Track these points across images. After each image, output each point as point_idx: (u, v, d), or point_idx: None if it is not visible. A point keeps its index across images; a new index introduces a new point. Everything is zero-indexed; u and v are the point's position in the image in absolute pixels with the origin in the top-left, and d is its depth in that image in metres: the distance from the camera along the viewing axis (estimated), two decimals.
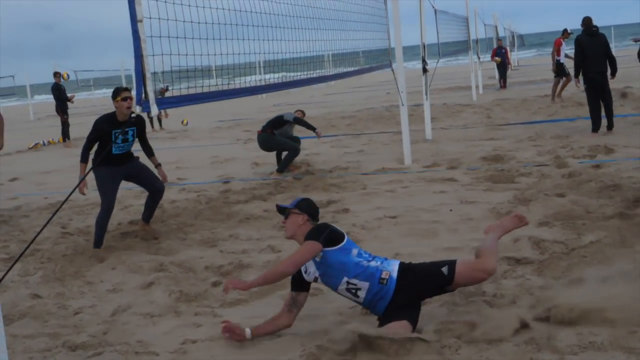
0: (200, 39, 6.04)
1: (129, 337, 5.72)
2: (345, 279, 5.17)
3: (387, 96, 29.76)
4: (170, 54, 5.76)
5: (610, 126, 14.47)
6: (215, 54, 7.03)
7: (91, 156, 8.40)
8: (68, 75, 27.42)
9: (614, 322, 4.96)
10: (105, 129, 8.29)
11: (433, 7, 18.53)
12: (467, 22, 27.84)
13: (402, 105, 13.25)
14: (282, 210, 5.66)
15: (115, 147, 8.42)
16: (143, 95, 4.98)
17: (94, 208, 10.96)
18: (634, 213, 7.77)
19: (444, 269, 5.18)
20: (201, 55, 6.37)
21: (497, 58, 31.39)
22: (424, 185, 10.72)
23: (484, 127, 17.24)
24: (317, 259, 5.21)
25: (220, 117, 27.27)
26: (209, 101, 6.47)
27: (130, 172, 8.80)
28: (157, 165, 9.19)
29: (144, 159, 9.16)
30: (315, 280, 5.35)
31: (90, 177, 8.45)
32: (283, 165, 13.12)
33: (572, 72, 16.45)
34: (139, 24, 4.95)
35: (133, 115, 7.22)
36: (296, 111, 13.45)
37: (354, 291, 5.17)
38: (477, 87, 27.25)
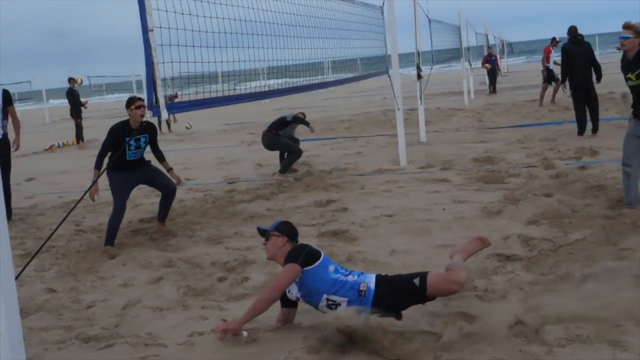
0: (207, 47, 6.03)
1: (139, 330, 5.71)
2: (325, 295, 5.12)
3: (383, 101, 29.74)
4: (180, 62, 5.74)
5: (595, 129, 14.49)
6: (221, 61, 7.02)
7: (106, 161, 8.43)
8: (82, 81, 27.35)
9: (599, 317, 4.97)
10: (120, 136, 8.31)
11: (427, 17, 18.53)
12: (459, 31, 27.87)
13: (398, 109, 13.26)
14: (262, 232, 5.61)
15: (129, 154, 8.50)
16: (154, 100, 4.96)
17: (106, 207, 10.94)
18: (617, 212, 7.77)
19: (416, 280, 5.12)
20: (208, 62, 6.35)
21: (487, 65, 31.42)
22: (418, 186, 10.71)
23: (475, 130, 17.23)
24: (297, 279, 5.17)
25: (226, 120, 27.28)
26: (216, 106, 6.47)
27: (143, 177, 8.88)
28: (169, 170, 9.25)
29: (155, 163, 9.17)
30: (298, 299, 5.32)
31: (104, 181, 8.42)
32: (285, 166, 13.07)
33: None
34: (149, 33, 4.95)
35: (115, 125, 7.18)
36: (298, 113, 13.42)
37: (334, 307, 5.10)
38: (468, 92, 27.27)
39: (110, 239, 8.43)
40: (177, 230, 9.05)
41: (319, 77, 10.09)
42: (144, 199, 11.54)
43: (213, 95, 7.02)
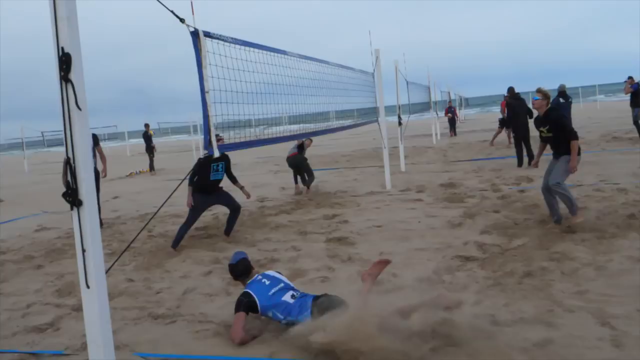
0: (245, 103, 6.05)
1: (194, 310, 5.71)
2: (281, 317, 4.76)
3: (373, 141, 29.62)
4: (228, 115, 5.75)
5: (530, 162, 14.39)
6: (254, 114, 7.05)
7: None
8: (153, 132, 27.54)
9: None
10: (206, 162, 8.41)
11: (405, 80, 18.57)
12: (428, 90, 27.92)
13: (384, 147, 13.27)
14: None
15: (212, 174, 8.62)
16: (209, 142, 4.98)
17: (171, 218, 10.96)
18: (548, 225, 7.72)
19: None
20: (245, 114, 6.38)
21: (449, 114, 31.53)
22: (400, 204, 10.65)
23: (441, 163, 17.18)
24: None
25: (257, 154, 27.26)
26: (253, 147, 6.46)
27: (218, 198, 8.90)
28: (242, 188, 9.36)
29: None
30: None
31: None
32: (309, 183, 13.22)
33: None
34: (206, 94, 4.95)
35: (201, 157, 7.19)
36: (306, 139, 13.34)
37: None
38: (436, 134, 27.25)
39: (176, 242, 8.40)
40: (222, 235, 9.00)
41: (327, 123, 10.10)
42: None
43: (250, 138, 7.05)
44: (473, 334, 4.32)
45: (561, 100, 14.16)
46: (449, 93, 42.19)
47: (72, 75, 3.27)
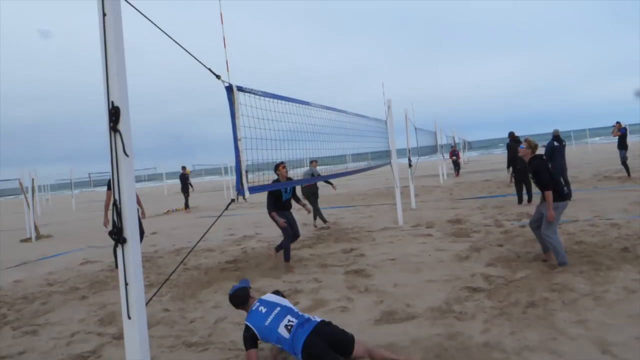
0: (271, 149, 6.07)
1: (225, 338, 5.64)
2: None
3: (386, 181, 29.68)
4: (259, 161, 5.77)
5: (529, 200, 14.28)
6: (281, 159, 7.08)
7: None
8: (190, 172, 27.77)
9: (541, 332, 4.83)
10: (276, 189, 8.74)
11: (414, 126, 18.61)
12: (435, 134, 27.95)
13: (397, 186, 13.22)
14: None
15: (284, 195, 9.07)
16: (241, 184, 4.98)
17: (204, 252, 10.95)
18: (548, 256, 7.58)
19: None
20: (273, 159, 6.41)
21: (453, 157, 31.48)
22: (411, 239, 10.54)
23: (448, 201, 17.05)
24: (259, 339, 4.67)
25: None
26: (279, 188, 6.47)
27: (289, 218, 9.11)
28: (304, 205, 9.77)
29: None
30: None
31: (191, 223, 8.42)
32: (323, 218, 13.40)
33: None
34: (239, 142, 4.98)
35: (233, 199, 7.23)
36: (312, 161, 13.33)
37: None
38: (442, 175, 27.15)
39: (287, 255, 8.87)
40: (250, 268, 8.97)
41: (344, 166, 10.09)
42: (229, 247, 11.50)
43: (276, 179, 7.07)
44: None
45: (555, 143, 14.02)
46: (453, 137, 42.16)
47: (121, 126, 3.32)
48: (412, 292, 6.69)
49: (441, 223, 12.11)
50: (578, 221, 10.43)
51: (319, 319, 4.60)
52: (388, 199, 19.40)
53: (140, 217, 10.17)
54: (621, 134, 17.94)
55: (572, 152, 39.89)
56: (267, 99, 5.89)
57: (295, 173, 9.79)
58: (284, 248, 8.91)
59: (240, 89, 5.14)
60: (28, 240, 16.99)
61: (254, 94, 5.48)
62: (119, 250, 3.40)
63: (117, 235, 3.38)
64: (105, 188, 12.07)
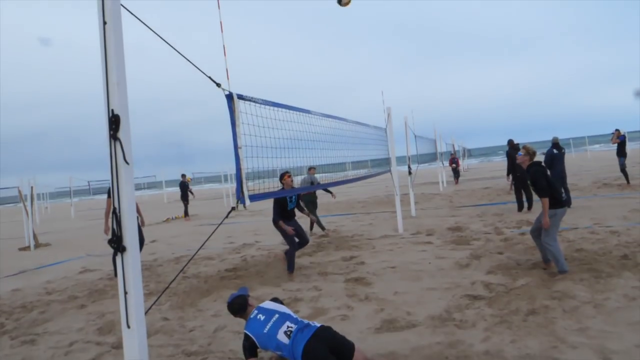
0: (274, 157, 6.07)
1: (224, 347, 5.62)
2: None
3: (386, 188, 29.70)
4: (258, 169, 5.76)
5: (529, 207, 14.28)
6: (281, 167, 7.08)
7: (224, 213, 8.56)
8: (191, 179, 27.77)
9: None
10: (283, 197, 8.89)
11: (414, 134, 18.63)
12: (435, 142, 27.99)
13: (396, 194, 13.21)
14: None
15: (289, 205, 9.08)
16: (241, 193, 4.97)
17: (204, 260, 10.92)
18: (548, 265, 7.57)
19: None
20: (273, 167, 6.40)
21: (453, 164, 31.50)
22: (411, 246, 10.54)
23: (448, 208, 17.05)
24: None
25: None
26: (279, 196, 6.46)
27: (295, 226, 9.10)
28: (308, 214, 9.92)
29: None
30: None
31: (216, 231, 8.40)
32: (322, 225, 13.39)
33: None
34: (239, 150, 4.98)
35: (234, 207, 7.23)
36: (310, 169, 13.32)
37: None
38: (442, 182, 27.16)
39: (291, 266, 8.81)
40: (251, 277, 8.95)
41: (344, 174, 10.09)
42: (228, 255, 11.48)
43: (277, 188, 7.04)
44: None
45: (555, 151, 14.04)
46: (453, 145, 42.21)
47: (121, 134, 3.32)
48: (412, 300, 6.68)
49: (441, 231, 12.10)
50: (578, 228, 10.43)
51: (318, 324, 4.57)
52: (388, 207, 19.39)
53: (140, 225, 10.17)
54: (620, 141, 17.98)
55: (571, 160, 39.94)
56: (267, 107, 5.90)
57: (294, 181, 9.77)
58: (288, 258, 8.89)
59: (240, 97, 5.14)
60: (26, 248, 16.96)
61: (254, 102, 5.48)
62: (118, 258, 3.40)
63: (117, 243, 3.37)
64: (105, 196, 12.07)
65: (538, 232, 7.62)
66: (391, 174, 13.35)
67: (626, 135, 18.92)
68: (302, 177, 13.47)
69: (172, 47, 3.87)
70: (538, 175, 7.39)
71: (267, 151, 5.79)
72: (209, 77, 4.31)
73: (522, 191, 14.41)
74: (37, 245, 17.33)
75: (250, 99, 5.40)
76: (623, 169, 17.93)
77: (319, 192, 15.10)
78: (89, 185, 51.16)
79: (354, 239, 12.25)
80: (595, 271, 7.10)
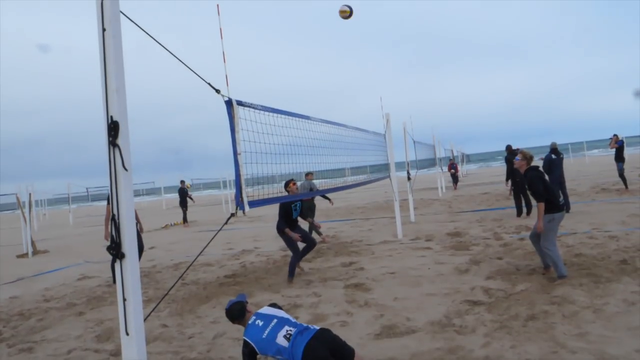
0: (273, 163, 6.09)
1: (223, 354, 5.61)
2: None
3: (385, 194, 29.69)
4: (258, 176, 5.77)
5: (528, 212, 14.29)
6: (281, 173, 7.09)
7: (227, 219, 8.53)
8: (190, 185, 27.76)
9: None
10: (288, 205, 8.90)
11: (412, 139, 18.65)
12: (433, 147, 28.02)
13: (396, 200, 13.21)
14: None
15: (294, 213, 9.02)
16: (240, 199, 4.97)
17: (203, 267, 10.91)
18: (547, 270, 7.57)
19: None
20: (272, 173, 6.41)
21: (452, 170, 31.54)
22: (411, 252, 10.53)
23: (447, 214, 17.06)
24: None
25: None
26: (278, 202, 6.45)
27: (299, 232, 9.12)
28: (312, 222, 10.11)
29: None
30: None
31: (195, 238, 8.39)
32: (319, 232, 13.43)
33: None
34: (238, 156, 4.99)
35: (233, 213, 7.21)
36: (307, 174, 13.29)
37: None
38: (441, 188, 27.17)
39: (292, 273, 8.83)
40: (250, 283, 8.93)
41: (343, 179, 10.12)
42: (227, 261, 11.47)
43: (276, 194, 7.04)
44: None
45: (553, 156, 14.06)
46: (451, 150, 42.27)
47: (120, 141, 3.32)
48: (412, 305, 6.67)
49: (440, 236, 12.11)
50: (577, 233, 10.43)
51: (317, 327, 4.55)
52: (387, 212, 19.39)
53: (139, 231, 10.16)
54: (618, 146, 18.02)
55: (569, 165, 39.96)
56: (266, 113, 5.91)
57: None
58: (290, 265, 8.89)
59: (239, 103, 5.15)
60: (24, 255, 16.92)
61: (253, 108, 5.49)
62: (117, 265, 3.39)
63: (116, 250, 3.37)
64: (104, 202, 12.06)
65: (537, 237, 7.63)
66: (390, 179, 13.36)
67: (624, 140, 18.94)
68: (301, 182, 13.47)
69: (171, 53, 3.88)
70: (535, 179, 7.41)
71: (266, 157, 5.80)
72: (208, 84, 4.32)
73: (521, 196, 14.42)
74: (35, 252, 17.30)
75: (250, 105, 5.41)
76: (621, 174, 17.96)
77: (317, 198, 15.09)
78: (87, 191, 51.14)
79: (353, 244, 12.24)
80: (595, 276, 7.10)
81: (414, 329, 5.76)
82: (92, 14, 3.37)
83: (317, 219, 13.96)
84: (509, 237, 11.05)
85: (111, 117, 3.31)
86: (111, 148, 3.33)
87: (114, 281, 9.54)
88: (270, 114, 6.04)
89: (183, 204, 24.11)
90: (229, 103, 4.97)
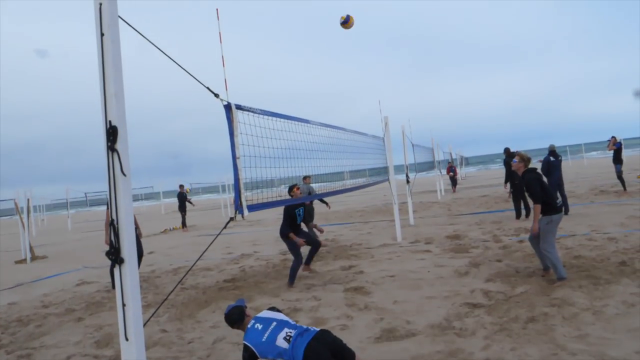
0: (273, 167, 6.09)
1: (224, 359, 5.60)
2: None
3: (384, 197, 29.69)
4: (257, 179, 5.77)
5: (527, 215, 14.29)
6: (280, 176, 7.08)
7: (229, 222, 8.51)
8: (189, 189, 27.73)
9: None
10: (292, 209, 9.06)
11: (411, 142, 18.67)
12: (432, 151, 28.02)
13: (395, 203, 13.21)
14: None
15: (298, 218, 9.15)
16: (239, 202, 4.96)
17: (202, 271, 10.89)
18: (547, 272, 7.57)
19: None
20: (271, 177, 6.41)
21: (451, 173, 31.54)
22: (410, 255, 10.52)
23: (446, 217, 17.06)
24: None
25: (280, 211, 27.37)
26: (278, 206, 6.44)
27: (302, 235, 9.23)
28: (315, 226, 10.20)
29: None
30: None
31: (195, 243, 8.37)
32: (316, 235, 13.25)
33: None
34: (237, 160, 4.98)
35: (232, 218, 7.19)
36: (304, 178, 13.29)
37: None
38: (440, 191, 27.18)
39: (292, 278, 8.83)
40: (249, 287, 8.92)
41: (342, 183, 10.10)
42: (226, 266, 11.45)
43: (275, 198, 7.04)
44: None
45: (552, 158, 14.08)
46: (450, 153, 42.28)
47: (118, 146, 3.32)
48: (411, 308, 6.66)
49: (440, 239, 12.10)
50: (576, 235, 10.44)
51: (318, 329, 4.54)
52: (386, 216, 19.39)
53: (138, 236, 10.14)
54: (616, 148, 18.05)
55: (568, 167, 40.03)
56: (265, 117, 5.91)
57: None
58: (291, 270, 8.88)
59: (238, 107, 5.15)
60: (23, 261, 16.89)
61: (252, 112, 5.49)
62: (116, 270, 3.38)
63: (115, 255, 3.36)
64: (104, 207, 12.06)
65: (537, 239, 7.63)
66: (389, 182, 13.36)
67: (622, 142, 18.96)
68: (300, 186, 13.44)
69: (170, 58, 3.88)
70: (532, 181, 7.42)
71: (265, 161, 5.80)
72: (207, 88, 4.32)
73: (520, 199, 14.43)
74: (34, 257, 17.27)
75: (249, 109, 5.41)
76: (620, 176, 17.98)
77: (315, 202, 15.09)
78: (85, 196, 51.13)
79: (352, 248, 12.24)
80: (594, 278, 7.10)
81: (414, 332, 5.75)
82: (90, 18, 3.38)
83: (316, 222, 13.92)
84: (508, 239, 11.05)
85: (110, 121, 3.30)
86: (110, 153, 3.32)
87: (113, 286, 9.52)
88: (269, 117, 6.04)
89: (182, 209, 24.10)
90: (227, 107, 4.97)
